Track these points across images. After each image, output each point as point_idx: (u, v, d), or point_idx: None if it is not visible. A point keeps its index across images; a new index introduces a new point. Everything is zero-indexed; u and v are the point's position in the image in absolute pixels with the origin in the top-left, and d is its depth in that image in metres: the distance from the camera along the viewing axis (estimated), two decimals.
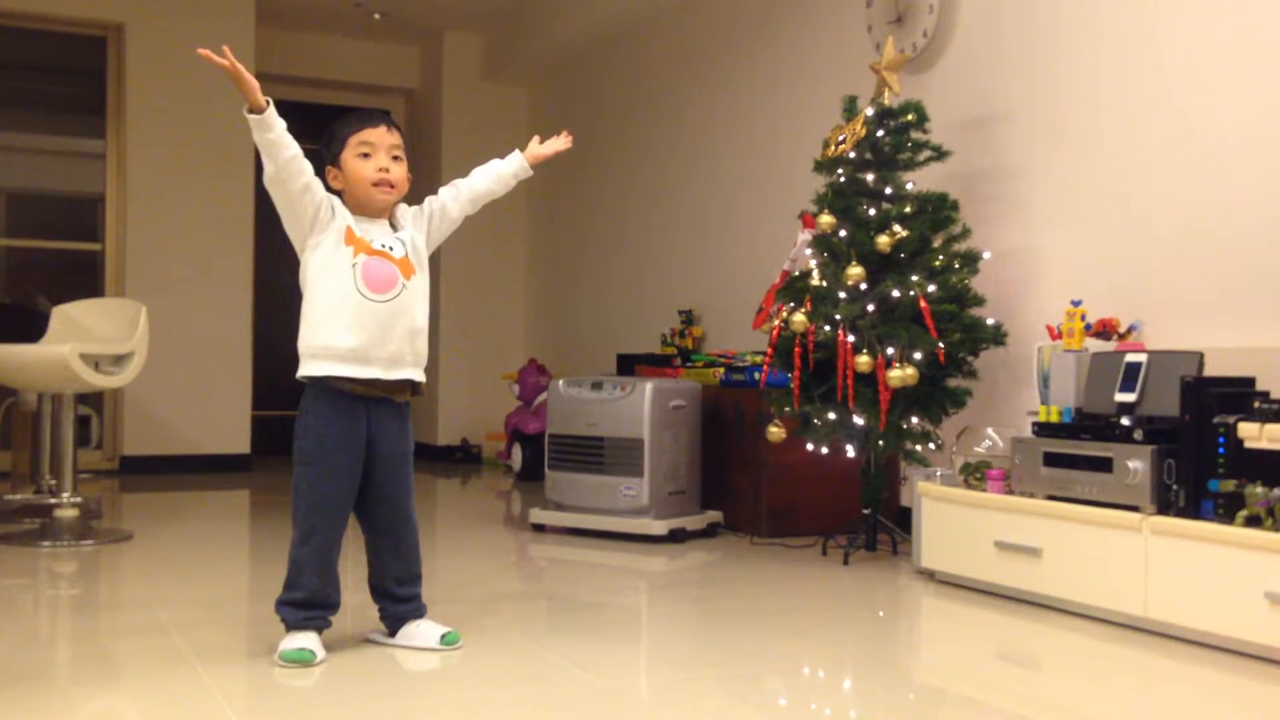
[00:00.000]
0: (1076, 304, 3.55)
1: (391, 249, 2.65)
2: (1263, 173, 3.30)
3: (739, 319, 5.38)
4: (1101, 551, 3.02)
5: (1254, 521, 2.69)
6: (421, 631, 2.70)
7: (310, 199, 2.58)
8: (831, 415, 3.91)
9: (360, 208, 2.67)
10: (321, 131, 2.73)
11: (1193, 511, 2.86)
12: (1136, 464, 2.96)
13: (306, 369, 2.61)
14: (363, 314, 2.59)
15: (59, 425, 4.50)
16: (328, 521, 2.61)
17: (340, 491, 2.62)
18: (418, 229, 2.75)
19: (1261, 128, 3.31)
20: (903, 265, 3.85)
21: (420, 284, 2.70)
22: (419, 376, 2.69)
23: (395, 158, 2.68)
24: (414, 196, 2.73)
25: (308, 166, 2.57)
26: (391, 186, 2.67)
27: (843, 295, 3.84)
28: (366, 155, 2.64)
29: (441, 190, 2.83)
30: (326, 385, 2.60)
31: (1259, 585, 2.62)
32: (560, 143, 2.95)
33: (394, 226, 2.72)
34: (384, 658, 2.63)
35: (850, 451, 4.00)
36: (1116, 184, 3.76)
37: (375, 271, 2.61)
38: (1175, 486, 2.91)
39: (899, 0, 4.59)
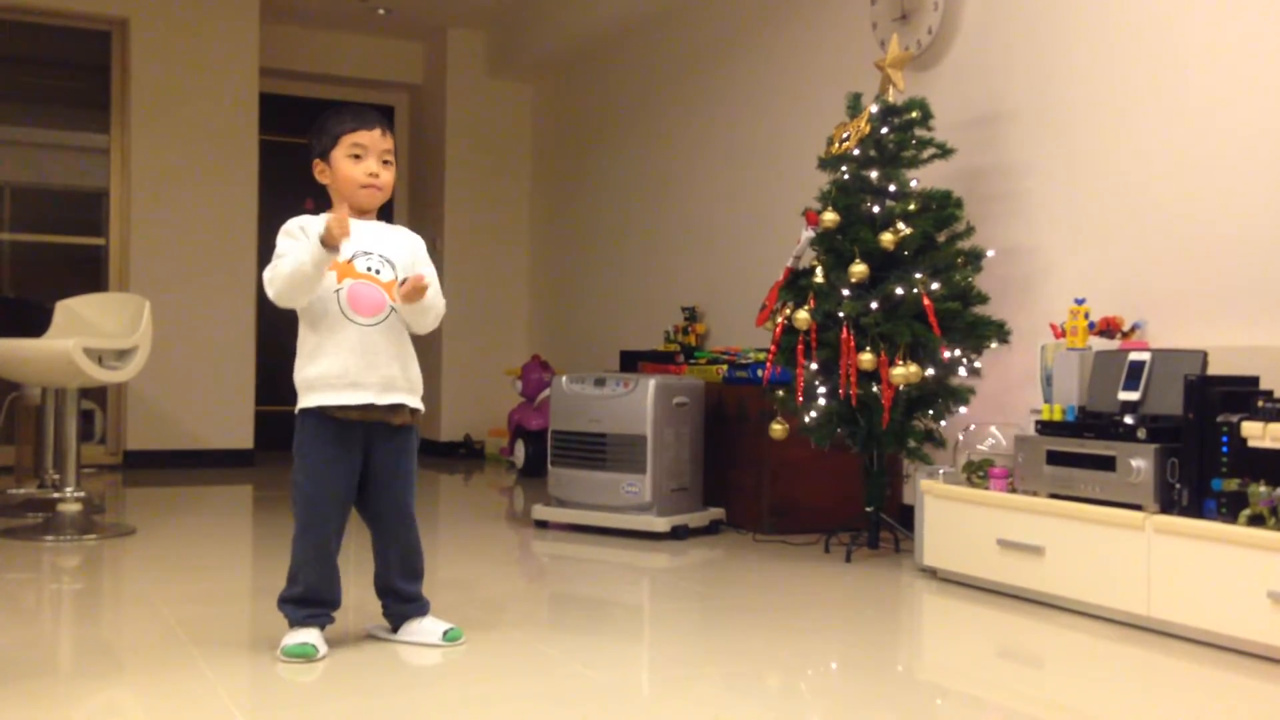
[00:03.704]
0: (1080, 302, 3.55)
1: (378, 272, 2.62)
2: (1267, 171, 3.30)
3: (742, 316, 5.38)
4: (1104, 550, 3.02)
5: (1257, 521, 2.69)
6: (424, 628, 2.70)
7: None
8: (834, 413, 3.91)
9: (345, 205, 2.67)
10: (312, 122, 2.69)
11: (1196, 510, 2.86)
12: (1140, 463, 2.96)
13: (304, 402, 2.59)
14: (350, 337, 2.56)
15: (62, 420, 4.50)
16: (325, 516, 2.60)
17: (338, 484, 2.60)
18: (413, 258, 2.70)
19: (1267, 126, 3.30)
20: (906, 263, 3.84)
21: None
22: (415, 403, 2.66)
23: (386, 162, 2.67)
24: (420, 191, 2.71)
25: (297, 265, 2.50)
26: (379, 190, 2.66)
27: (846, 293, 3.83)
28: (358, 157, 2.63)
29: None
30: (323, 415, 2.58)
31: (1262, 584, 2.62)
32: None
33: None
34: (387, 653, 2.63)
35: (853, 449, 4.00)
36: (1121, 182, 3.76)
37: (361, 295, 2.58)
38: (1178, 485, 2.91)
39: None
